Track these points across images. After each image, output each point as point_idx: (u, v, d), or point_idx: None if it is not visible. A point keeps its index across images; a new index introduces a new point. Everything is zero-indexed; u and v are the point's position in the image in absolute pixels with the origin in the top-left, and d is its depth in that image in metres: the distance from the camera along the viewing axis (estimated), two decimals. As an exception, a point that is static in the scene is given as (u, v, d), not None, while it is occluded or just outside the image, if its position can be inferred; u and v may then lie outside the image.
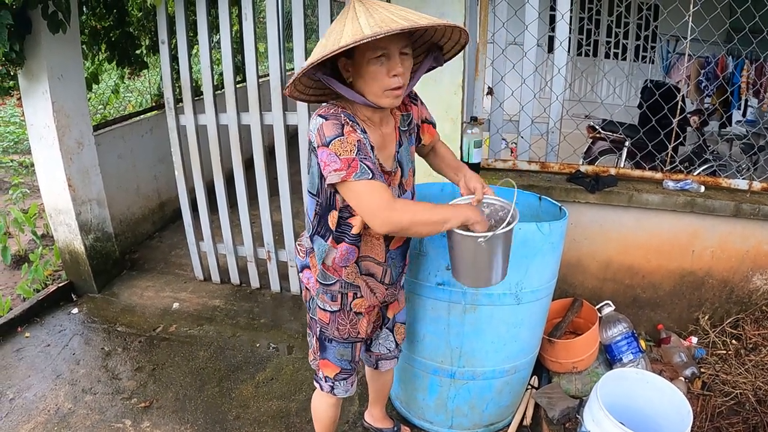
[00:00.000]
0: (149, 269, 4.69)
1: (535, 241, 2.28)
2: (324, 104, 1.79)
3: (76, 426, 2.97)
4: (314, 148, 1.73)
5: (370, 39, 1.49)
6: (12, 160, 8.55)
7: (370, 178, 1.66)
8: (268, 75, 3.65)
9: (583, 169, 3.18)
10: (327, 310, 2.06)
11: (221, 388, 3.21)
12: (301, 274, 2.10)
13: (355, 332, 2.11)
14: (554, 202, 2.63)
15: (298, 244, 2.12)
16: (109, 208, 4.40)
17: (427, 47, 1.86)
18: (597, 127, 5.10)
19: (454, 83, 2.96)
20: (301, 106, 3.56)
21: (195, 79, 3.84)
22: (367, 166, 1.67)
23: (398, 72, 1.66)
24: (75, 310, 4.09)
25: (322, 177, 1.75)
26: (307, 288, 2.10)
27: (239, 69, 4.99)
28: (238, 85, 3.77)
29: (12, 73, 3.58)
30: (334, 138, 1.67)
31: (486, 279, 1.94)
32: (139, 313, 4.02)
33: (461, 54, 2.86)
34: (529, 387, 2.98)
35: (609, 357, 3.03)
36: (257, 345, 3.60)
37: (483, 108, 3.29)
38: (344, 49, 1.52)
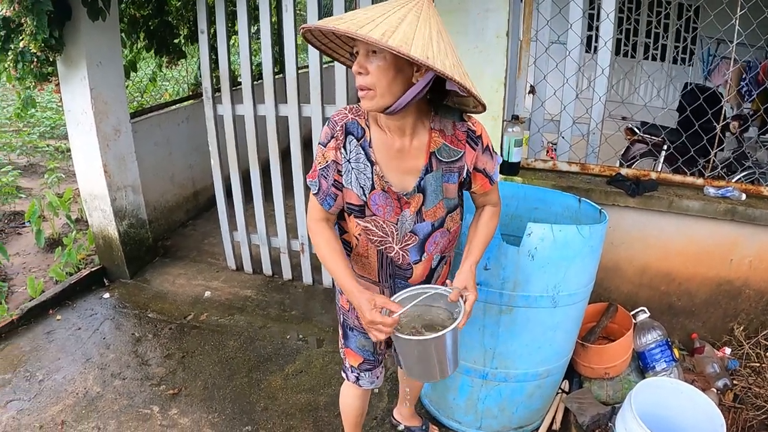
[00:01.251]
0: (182, 257, 4.72)
1: (575, 244, 2.24)
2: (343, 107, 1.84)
3: (103, 410, 3.00)
4: None
5: (303, 28, 1.60)
6: (48, 145, 8.67)
7: (314, 193, 1.83)
8: (306, 67, 3.64)
9: (623, 172, 3.12)
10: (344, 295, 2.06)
11: (250, 378, 3.22)
12: None
13: None
14: (594, 204, 2.59)
15: None
16: (143, 195, 4.44)
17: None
18: (636, 129, 5.01)
19: (496, 80, 2.92)
20: (340, 101, 3.55)
21: (233, 70, 3.83)
22: (320, 183, 1.80)
23: (354, 69, 1.60)
24: (107, 295, 4.13)
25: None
26: None
27: (276, 60, 4.99)
28: (275, 77, 3.76)
29: (51, 59, 3.60)
30: (320, 144, 1.79)
31: (431, 375, 1.85)
32: (170, 300, 4.05)
33: (504, 51, 2.83)
34: (560, 391, 2.94)
35: (641, 364, 2.98)
36: (287, 337, 3.60)
37: (524, 107, 3.24)
38: (308, 28, 1.61)
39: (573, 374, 3.01)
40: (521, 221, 2.76)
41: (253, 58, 3.76)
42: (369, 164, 1.75)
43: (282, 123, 3.84)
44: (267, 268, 4.36)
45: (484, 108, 1.71)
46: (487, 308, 2.34)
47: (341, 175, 1.78)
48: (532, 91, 3.31)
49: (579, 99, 3.19)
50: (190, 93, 5.71)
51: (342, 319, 2.16)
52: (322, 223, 1.85)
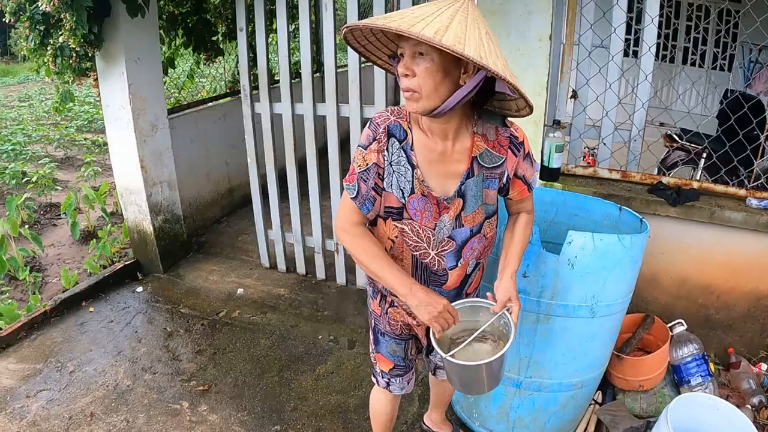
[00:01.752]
0: (215, 253, 4.75)
1: (615, 254, 2.20)
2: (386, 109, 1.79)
3: (133, 403, 3.03)
4: None
5: (348, 27, 1.55)
6: (85, 139, 8.82)
7: (352, 197, 1.76)
8: (344, 66, 3.63)
9: (665, 180, 3.06)
10: (375, 300, 2.04)
11: (281, 377, 3.22)
12: None
13: (407, 329, 2.07)
14: (635, 213, 2.54)
15: None
16: (179, 190, 4.48)
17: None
18: (674, 135, 4.92)
19: (538, 83, 2.87)
20: (379, 101, 3.53)
21: (270, 68, 3.83)
22: (359, 186, 1.74)
23: (399, 71, 1.56)
24: (140, 289, 4.17)
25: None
26: None
27: (314, 59, 5.00)
28: (313, 75, 3.76)
29: (90, 55, 3.65)
30: (361, 147, 1.73)
31: (479, 389, 1.87)
32: (203, 296, 4.07)
33: (546, 54, 2.79)
34: (593, 402, 2.90)
35: (676, 378, 2.92)
36: (319, 337, 3.60)
37: (566, 111, 3.20)
38: (354, 27, 1.56)
39: (606, 385, 2.96)
40: (560, 228, 2.72)
41: (291, 57, 3.76)
42: (410, 167, 1.72)
43: (319, 122, 3.84)
44: (301, 267, 4.36)
45: (531, 110, 1.66)
46: (524, 316, 2.30)
47: (382, 179, 1.74)
48: (574, 95, 3.26)
49: (621, 105, 3.13)
50: (228, 90, 5.75)
51: (373, 324, 2.13)
52: (360, 227, 1.79)
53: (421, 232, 1.78)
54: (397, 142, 1.71)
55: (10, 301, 4.03)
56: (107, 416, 2.94)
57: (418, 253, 1.82)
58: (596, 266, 2.18)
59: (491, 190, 1.82)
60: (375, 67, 3.40)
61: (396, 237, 1.81)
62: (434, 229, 1.78)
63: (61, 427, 2.87)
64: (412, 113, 1.70)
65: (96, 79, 3.89)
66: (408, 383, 2.23)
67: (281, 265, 4.42)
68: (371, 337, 2.18)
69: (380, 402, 2.33)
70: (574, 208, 2.74)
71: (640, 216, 2.50)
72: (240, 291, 4.14)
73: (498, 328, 1.84)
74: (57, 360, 3.37)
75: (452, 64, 1.51)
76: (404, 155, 1.71)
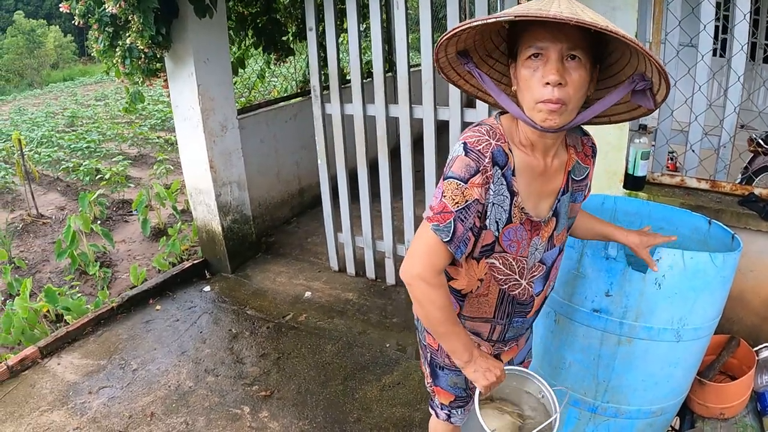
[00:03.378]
0: (284, 254, 4.73)
1: (706, 273, 2.03)
2: (483, 122, 1.48)
3: (194, 405, 3.03)
4: None
5: (506, 18, 1.23)
6: (158, 137, 9.04)
7: (446, 241, 1.44)
8: (418, 66, 3.54)
9: (757, 191, 2.84)
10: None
11: (345, 386, 3.15)
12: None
13: None
14: (726, 228, 2.35)
15: None
16: (248, 191, 4.49)
17: (630, 76, 1.40)
18: (759, 139, 4.63)
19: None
20: (453, 102, 3.40)
21: (341, 68, 3.78)
22: (456, 227, 1.44)
23: (550, 79, 1.29)
24: (207, 288, 4.20)
25: None
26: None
27: (385, 59, 4.95)
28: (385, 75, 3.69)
29: (158, 56, 3.69)
30: (457, 179, 1.41)
31: None
32: (270, 298, 4.06)
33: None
34: (670, 429, 2.72)
35: (760, 406, 2.70)
36: (387, 345, 3.50)
37: (652, 115, 3.02)
38: (474, 25, 1.28)
39: (685, 411, 2.76)
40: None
41: (362, 56, 3.69)
42: (509, 195, 1.48)
43: (391, 123, 3.76)
44: (370, 272, 4.28)
45: (657, 106, 1.43)
46: (604, 338, 2.16)
47: (480, 217, 1.47)
48: (662, 97, 3.08)
49: (712, 108, 2.93)
50: (298, 90, 5.75)
51: (430, 358, 1.96)
52: (442, 277, 1.53)
53: (514, 263, 1.58)
54: (499, 170, 1.44)
55: (79, 295, 4.12)
56: (167, 417, 2.95)
57: (507, 286, 1.62)
58: (685, 287, 2.02)
59: (577, 203, 1.69)
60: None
61: (485, 275, 1.60)
62: (527, 258, 1.59)
63: (120, 425, 2.89)
64: (549, 128, 1.39)
65: (166, 80, 3.94)
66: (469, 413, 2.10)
67: (350, 269, 4.36)
68: (427, 370, 2.01)
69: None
70: (660, 221, 2.56)
71: (732, 231, 2.32)
72: (307, 294, 4.10)
73: (542, 405, 1.72)
74: (121, 357, 3.41)
75: (594, 70, 1.38)
76: (505, 183, 1.46)
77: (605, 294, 2.10)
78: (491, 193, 1.44)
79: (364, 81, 3.76)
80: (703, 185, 2.95)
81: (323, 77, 3.91)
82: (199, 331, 3.69)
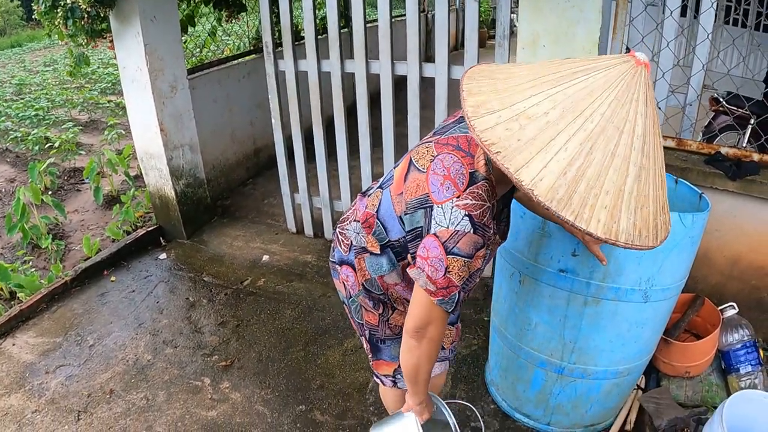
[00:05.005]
0: (240, 217, 4.61)
1: (675, 234, 1.96)
2: (480, 184, 1.39)
3: (153, 379, 2.93)
4: (437, 227, 1.39)
5: (613, 243, 1.19)
6: (109, 101, 8.72)
7: (449, 311, 1.49)
8: (374, 21, 3.40)
9: (723, 151, 2.80)
10: (372, 312, 1.85)
11: (306, 352, 3.08)
12: (339, 268, 1.85)
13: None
14: (693, 187, 2.31)
15: (341, 233, 1.84)
16: (202, 153, 4.33)
17: None
18: (720, 99, 4.62)
19: (589, 40, 2.60)
20: (411, 57, 3.26)
21: (295, 24, 3.61)
22: (458, 298, 1.47)
23: None
24: (163, 256, 4.06)
25: (419, 237, 1.49)
26: (344, 284, 1.85)
27: (341, 14, 4.77)
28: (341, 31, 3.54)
29: (103, 15, 3.49)
30: (464, 257, 1.39)
31: None
32: (227, 264, 3.94)
33: (599, 7, 2.53)
34: (636, 388, 2.71)
35: (724, 365, 2.70)
36: (348, 308, 3.43)
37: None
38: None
39: (651, 370, 2.75)
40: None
41: (317, 11, 3.53)
42: (491, 227, 1.47)
43: (347, 80, 3.63)
44: (329, 232, 4.20)
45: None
46: (571, 298, 2.11)
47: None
48: (628, 53, 3.00)
49: (680, 66, 2.87)
50: (252, 48, 5.54)
51: (369, 335, 1.93)
52: (439, 341, 1.60)
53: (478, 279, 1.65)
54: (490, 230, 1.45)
55: (32, 271, 3.95)
56: (126, 393, 2.84)
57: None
58: (653, 247, 1.97)
59: None
60: (406, 20, 3.19)
61: None
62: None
63: (79, 405, 2.78)
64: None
65: (112, 41, 3.74)
66: None
67: (308, 230, 4.27)
68: (367, 346, 1.98)
69: (392, 397, 2.14)
70: (626, 179, 2.52)
71: (699, 190, 2.27)
72: (265, 258, 3.99)
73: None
74: (77, 333, 3.27)
75: None
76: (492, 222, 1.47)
77: (572, 254, 2.03)
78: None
79: (319, 37, 3.61)
80: (669, 143, 2.90)
81: (276, 33, 3.75)
82: (155, 301, 3.56)
